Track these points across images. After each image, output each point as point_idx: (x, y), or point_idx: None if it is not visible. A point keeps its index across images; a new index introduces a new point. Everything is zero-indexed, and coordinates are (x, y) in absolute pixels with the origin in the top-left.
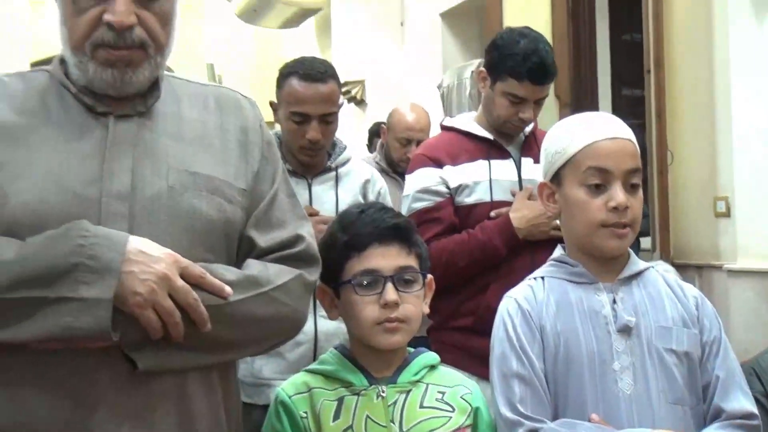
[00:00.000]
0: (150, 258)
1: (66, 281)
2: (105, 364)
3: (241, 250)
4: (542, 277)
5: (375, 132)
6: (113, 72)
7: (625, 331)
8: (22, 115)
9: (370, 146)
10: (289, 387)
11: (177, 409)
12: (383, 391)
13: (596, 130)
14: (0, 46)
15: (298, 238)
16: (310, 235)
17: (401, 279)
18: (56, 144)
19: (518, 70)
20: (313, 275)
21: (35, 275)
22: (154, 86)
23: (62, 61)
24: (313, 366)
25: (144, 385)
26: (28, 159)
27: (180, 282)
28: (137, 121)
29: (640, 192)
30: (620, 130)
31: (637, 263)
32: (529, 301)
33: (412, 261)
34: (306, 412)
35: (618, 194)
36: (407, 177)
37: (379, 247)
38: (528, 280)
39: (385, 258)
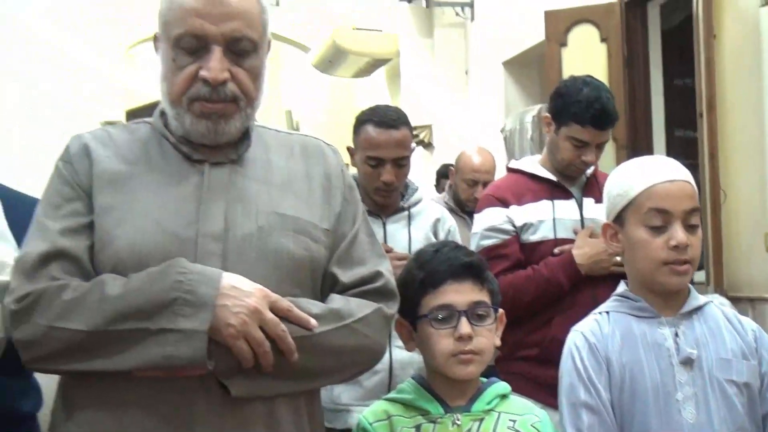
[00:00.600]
0: (242, 293)
1: (166, 314)
2: (201, 391)
3: (325, 286)
4: (607, 312)
5: (442, 173)
6: (208, 123)
7: (687, 363)
8: (127, 163)
9: (438, 186)
10: (369, 414)
11: None
12: (458, 419)
13: (656, 173)
14: (99, 96)
15: (377, 275)
16: (388, 271)
17: (474, 313)
18: (157, 189)
19: (582, 116)
20: (392, 309)
21: (139, 309)
22: (245, 136)
23: (162, 113)
24: (392, 395)
25: (237, 410)
26: (132, 203)
27: (269, 315)
28: (230, 168)
29: (699, 230)
30: (678, 172)
31: (697, 298)
32: (595, 335)
33: (484, 296)
34: None
35: (678, 233)
36: (476, 216)
37: (454, 284)
38: (593, 315)
39: (460, 294)
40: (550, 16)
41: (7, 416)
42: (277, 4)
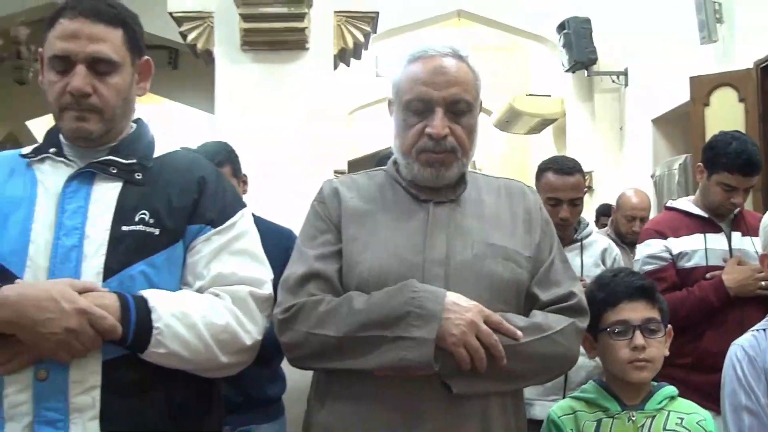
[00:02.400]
0: (462, 308)
1: (401, 325)
2: (427, 389)
3: (527, 303)
4: (764, 329)
5: (601, 212)
6: (431, 170)
7: None
8: (367, 202)
9: (597, 223)
10: (558, 409)
11: (480, 426)
12: (633, 416)
13: None
14: (328, 149)
15: (571, 294)
16: (580, 291)
17: (647, 328)
18: (392, 223)
19: (731, 165)
20: (583, 323)
21: (379, 320)
22: (461, 179)
23: (394, 162)
24: (577, 393)
25: (456, 405)
26: (373, 234)
27: (484, 326)
28: (449, 206)
29: None
30: None
31: None
32: (753, 348)
33: (655, 314)
34: (572, 430)
35: None
36: (638, 246)
37: (630, 303)
38: (751, 331)
39: (634, 311)
40: (695, 81)
41: (259, 399)
42: None
